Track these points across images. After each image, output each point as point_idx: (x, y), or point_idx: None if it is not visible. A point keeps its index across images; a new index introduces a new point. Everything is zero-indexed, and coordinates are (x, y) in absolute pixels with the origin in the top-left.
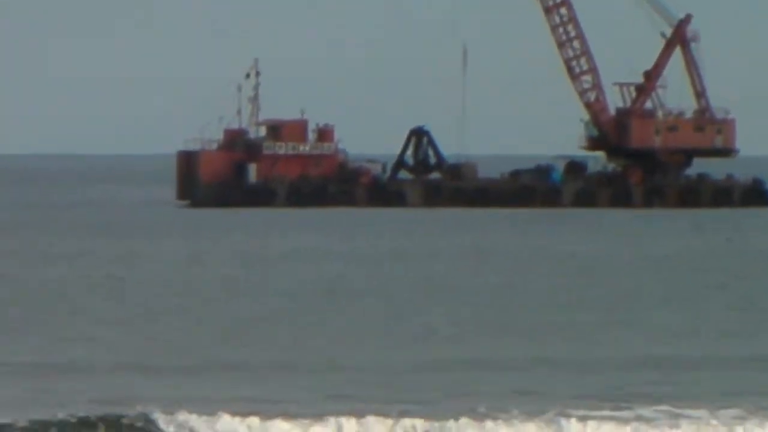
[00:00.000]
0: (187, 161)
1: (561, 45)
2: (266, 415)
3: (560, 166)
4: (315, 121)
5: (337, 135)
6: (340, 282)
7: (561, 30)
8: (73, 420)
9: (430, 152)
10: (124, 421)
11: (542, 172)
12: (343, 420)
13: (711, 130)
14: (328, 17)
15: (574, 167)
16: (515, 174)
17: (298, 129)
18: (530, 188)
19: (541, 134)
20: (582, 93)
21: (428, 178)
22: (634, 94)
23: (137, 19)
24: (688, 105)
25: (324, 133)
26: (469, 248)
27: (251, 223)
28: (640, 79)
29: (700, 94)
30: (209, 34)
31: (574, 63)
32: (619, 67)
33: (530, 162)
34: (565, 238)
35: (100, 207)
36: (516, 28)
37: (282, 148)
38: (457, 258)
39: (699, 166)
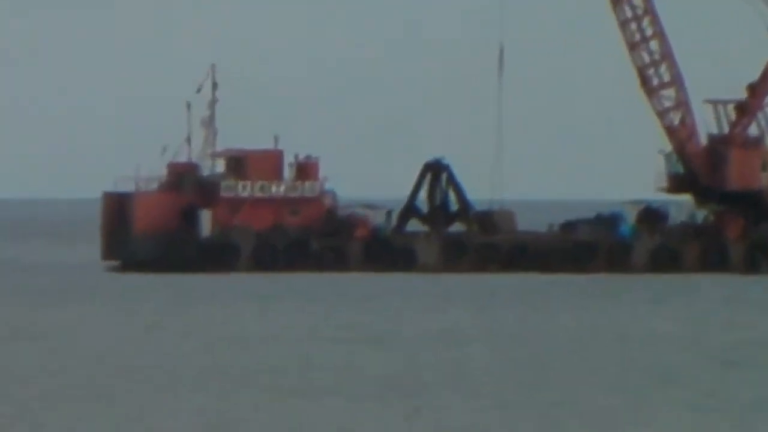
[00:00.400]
0: (118, 207)
1: (633, 47)
2: None
3: (631, 215)
4: (293, 151)
5: (323, 171)
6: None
7: (633, 26)
8: None
9: (451, 195)
10: None
11: (606, 223)
12: None
13: None
14: (312, 10)
15: (651, 216)
16: (568, 226)
17: (270, 162)
18: (589, 245)
19: (605, 172)
20: (662, 114)
21: (448, 231)
22: (733, 115)
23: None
24: None
25: (305, 169)
26: (505, 330)
27: (203, 294)
28: (742, 96)
29: None
30: (148, 34)
31: (650, 72)
32: (714, 79)
33: (589, 210)
34: (637, 315)
35: None
36: (571, 24)
37: (247, 189)
38: (490, 344)
39: None
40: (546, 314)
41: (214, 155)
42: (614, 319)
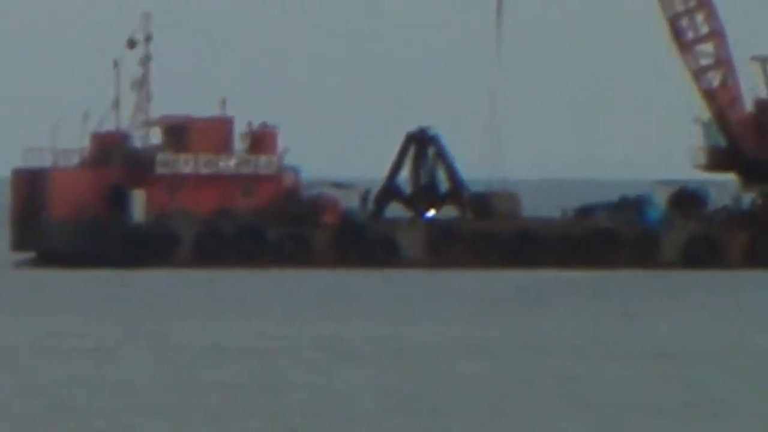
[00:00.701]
0: (30, 186)
1: None
2: None
3: (661, 199)
4: (245, 118)
5: (282, 143)
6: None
7: None
8: None
9: (440, 172)
10: None
11: (630, 208)
12: None
13: None
14: None
15: (685, 200)
16: (585, 212)
17: (217, 131)
18: (609, 234)
19: (629, 145)
20: (698, 74)
21: (436, 216)
22: None
23: None
24: None
25: (261, 140)
26: (512, 340)
27: (132, 296)
28: None
29: None
30: None
31: (684, 22)
32: (763, 31)
33: (610, 192)
34: (664, 321)
35: None
36: None
37: (189, 164)
38: (503, 357)
39: None
40: (556, 318)
41: (148, 123)
42: (641, 327)
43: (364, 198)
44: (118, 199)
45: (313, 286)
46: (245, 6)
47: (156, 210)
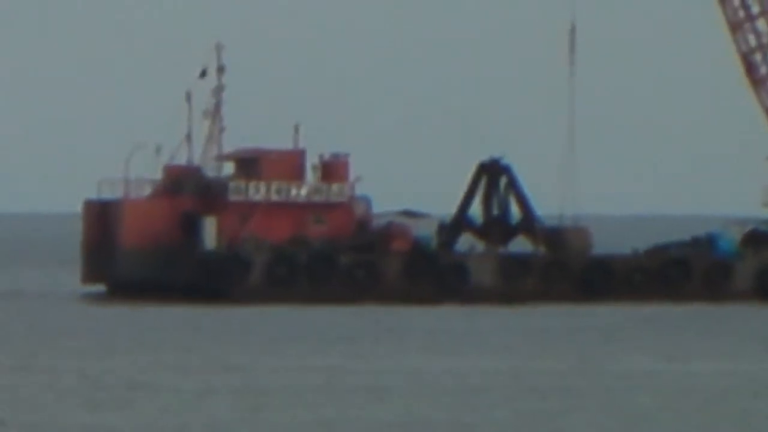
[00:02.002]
0: (102, 217)
1: (735, 28)
2: None
3: (734, 237)
4: (317, 149)
5: (354, 172)
6: None
7: (736, 2)
8: None
9: (512, 203)
10: None
11: (702, 247)
12: None
13: None
14: None
15: (757, 239)
16: (659, 251)
17: (289, 162)
18: (681, 263)
19: (700, 182)
20: None
21: (507, 250)
22: None
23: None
24: None
25: (332, 169)
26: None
27: (208, 329)
28: None
29: None
30: (139, 8)
31: (757, 58)
32: None
33: (681, 229)
34: (738, 355)
35: None
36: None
37: (261, 192)
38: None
39: None
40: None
41: (221, 158)
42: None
43: (442, 229)
44: (189, 227)
45: (381, 318)
46: (316, 36)
47: (228, 237)
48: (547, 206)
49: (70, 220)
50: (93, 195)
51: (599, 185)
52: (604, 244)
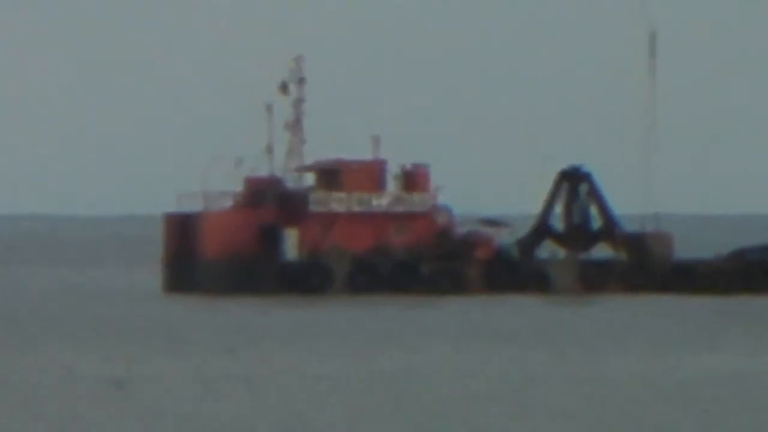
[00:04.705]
0: (182, 230)
1: None
2: None
3: None
4: (398, 159)
5: (435, 181)
6: None
7: None
8: None
9: (593, 210)
10: None
11: None
12: None
13: None
14: None
15: None
16: (739, 254)
17: (370, 173)
18: (761, 267)
19: None
20: None
21: (589, 256)
22: None
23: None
24: None
25: (413, 179)
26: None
27: (298, 332)
28: None
29: None
30: (218, 22)
31: None
32: None
33: (763, 227)
34: None
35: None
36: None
37: (342, 203)
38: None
39: None
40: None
41: (301, 169)
42: None
43: (523, 237)
44: (270, 239)
45: (465, 317)
46: (395, 46)
47: (309, 248)
48: (629, 207)
49: (140, 222)
50: (172, 208)
51: (682, 188)
52: (687, 247)
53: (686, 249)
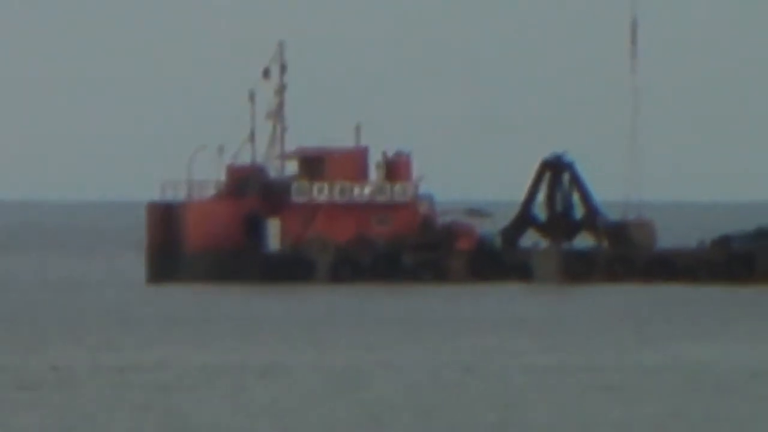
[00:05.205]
0: (166, 220)
1: None
2: None
3: None
4: (380, 147)
5: (417, 170)
6: None
7: None
8: None
9: (575, 199)
10: None
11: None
12: None
13: None
14: None
15: None
16: (722, 241)
17: (352, 161)
18: (746, 258)
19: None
20: None
21: (571, 245)
22: None
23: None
24: None
25: (396, 167)
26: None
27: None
28: None
29: None
30: (199, 8)
31: None
32: None
33: (749, 217)
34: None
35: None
36: None
37: (324, 192)
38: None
39: None
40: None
41: (284, 156)
42: None
43: (505, 226)
44: (253, 229)
45: (445, 308)
46: (380, 33)
47: (291, 239)
48: (612, 194)
49: (121, 208)
50: (156, 196)
51: (665, 175)
52: (670, 234)
53: (669, 237)
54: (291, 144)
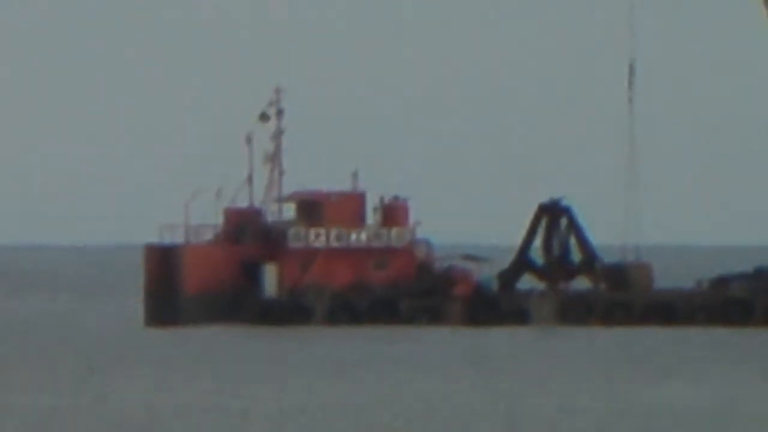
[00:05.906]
0: (163, 262)
1: None
2: None
3: None
4: (377, 192)
5: (414, 215)
6: None
7: None
8: None
9: (572, 243)
10: None
11: (766, 278)
12: None
13: None
14: (395, 22)
15: None
16: (720, 282)
17: (350, 206)
18: (743, 302)
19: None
20: None
21: (568, 289)
22: None
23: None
24: None
25: (393, 213)
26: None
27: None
28: None
29: None
30: (197, 54)
31: None
32: None
33: (747, 260)
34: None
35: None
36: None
37: (322, 238)
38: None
39: None
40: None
41: (281, 199)
42: None
43: (503, 271)
44: (250, 275)
45: (444, 354)
46: (377, 79)
47: (289, 284)
48: (609, 238)
49: (118, 252)
50: (154, 239)
51: (662, 219)
52: (668, 278)
53: (667, 279)
54: (288, 188)
